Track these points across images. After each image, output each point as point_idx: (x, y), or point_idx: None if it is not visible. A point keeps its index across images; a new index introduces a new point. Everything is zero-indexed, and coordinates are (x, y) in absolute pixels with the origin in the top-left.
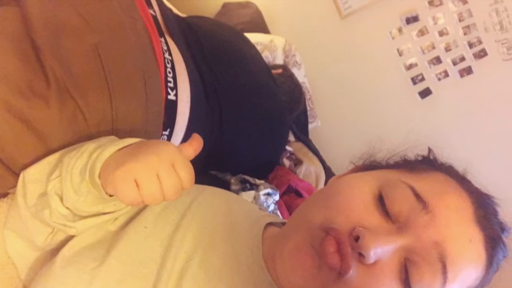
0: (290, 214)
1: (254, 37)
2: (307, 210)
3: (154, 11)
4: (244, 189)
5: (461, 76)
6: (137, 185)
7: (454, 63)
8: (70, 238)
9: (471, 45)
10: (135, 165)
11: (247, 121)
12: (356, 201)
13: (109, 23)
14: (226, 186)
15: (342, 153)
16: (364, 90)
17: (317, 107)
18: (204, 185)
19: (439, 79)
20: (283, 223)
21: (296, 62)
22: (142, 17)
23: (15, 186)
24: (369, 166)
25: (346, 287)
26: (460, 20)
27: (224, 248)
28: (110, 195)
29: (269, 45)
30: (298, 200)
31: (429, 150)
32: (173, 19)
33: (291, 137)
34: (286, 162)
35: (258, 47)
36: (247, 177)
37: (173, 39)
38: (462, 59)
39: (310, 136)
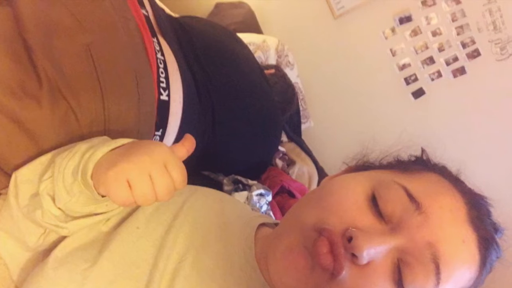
0: (282, 214)
1: (246, 37)
2: (300, 210)
3: (147, 11)
4: (236, 190)
5: (454, 76)
6: (129, 185)
7: (447, 63)
8: (62, 238)
9: (464, 45)
10: (127, 166)
11: (239, 122)
12: (349, 202)
13: (102, 23)
14: (218, 186)
15: (335, 153)
16: (357, 91)
17: (310, 107)
18: (196, 186)
19: (432, 80)
20: (276, 224)
21: (289, 62)
22: (134, 17)
23: (7, 186)
24: (362, 166)
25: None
26: (453, 20)
27: (216, 249)
28: (103, 196)
29: (262, 45)
30: (291, 201)
31: (422, 150)
32: (166, 19)
33: (284, 138)
34: (279, 162)
35: (251, 47)
36: (239, 178)
37: (165, 39)
38: (455, 59)
39: (303, 137)
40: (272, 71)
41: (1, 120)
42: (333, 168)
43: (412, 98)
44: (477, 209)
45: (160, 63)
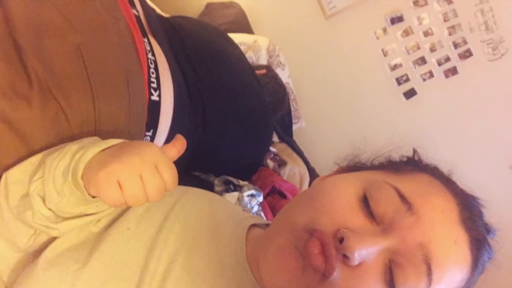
0: (274, 215)
1: (237, 37)
2: (291, 211)
3: (137, 11)
4: (227, 190)
5: (446, 76)
6: (120, 186)
7: (439, 64)
8: (52, 239)
9: (456, 46)
10: (118, 166)
11: (230, 122)
12: (341, 203)
13: (92, 23)
14: (209, 187)
15: (327, 154)
16: (348, 91)
17: (301, 107)
18: (187, 186)
19: (424, 80)
20: (267, 225)
21: (280, 63)
22: (125, 17)
23: None
24: (354, 167)
25: None
26: (445, 20)
27: (207, 250)
28: (93, 197)
29: (253, 46)
30: (282, 202)
31: (414, 151)
32: (156, 19)
33: (275, 138)
34: (270, 163)
35: (242, 48)
36: (230, 178)
37: (156, 39)
38: (447, 59)
39: (294, 137)
40: (263, 71)
41: None
42: (325, 168)
43: (403, 98)
44: (469, 209)
45: (151, 63)
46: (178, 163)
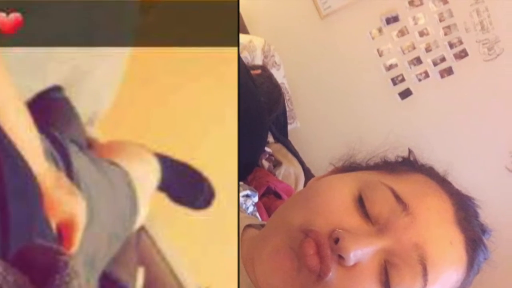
0: (269, 216)
1: None
2: (286, 212)
3: None
4: None
5: (442, 76)
6: None
7: (435, 64)
8: None
9: (451, 46)
10: None
11: None
12: (336, 203)
13: None
14: None
15: (322, 154)
16: (344, 91)
17: (297, 108)
18: None
19: (420, 80)
20: (262, 225)
21: (275, 63)
22: None
23: None
24: (349, 167)
25: None
26: (440, 20)
27: None
28: None
29: (248, 46)
30: (277, 202)
31: (410, 151)
32: None
33: (270, 138)
34: (265, 163)
35: None
36: None
37: None
38: (443, 59)
39: (289, 137)
40: (259, 71)
41: None
42: (320, 169)
43: (399, 98)
44: (465, 210)
45: None
46: None
